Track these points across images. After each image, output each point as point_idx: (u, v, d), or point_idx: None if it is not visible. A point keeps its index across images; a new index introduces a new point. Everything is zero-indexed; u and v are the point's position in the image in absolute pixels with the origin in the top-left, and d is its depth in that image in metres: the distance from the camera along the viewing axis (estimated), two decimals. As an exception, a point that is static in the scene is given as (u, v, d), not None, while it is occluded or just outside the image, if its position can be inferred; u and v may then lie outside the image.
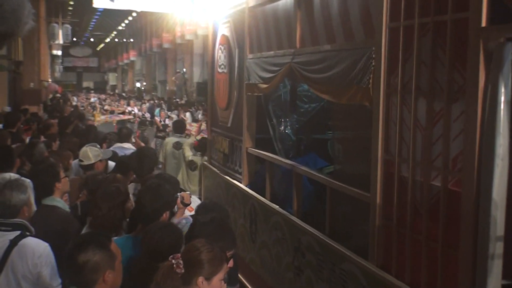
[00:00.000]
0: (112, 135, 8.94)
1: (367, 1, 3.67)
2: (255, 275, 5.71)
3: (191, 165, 8.82)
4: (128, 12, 40.35)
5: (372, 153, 3.53)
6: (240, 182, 6.39)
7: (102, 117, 24.09)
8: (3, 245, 3.73)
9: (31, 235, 3.84)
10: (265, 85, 5.57)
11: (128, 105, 31.45)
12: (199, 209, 4.32)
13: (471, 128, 2.73)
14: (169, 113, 23.93)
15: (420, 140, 3.12)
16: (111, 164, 6.40)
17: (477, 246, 2.69)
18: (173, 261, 2.86)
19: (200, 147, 8.99)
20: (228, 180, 6.74)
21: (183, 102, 29.65)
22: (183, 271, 2.83)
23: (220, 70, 7.28)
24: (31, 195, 4.18)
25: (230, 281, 3.73)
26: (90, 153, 6.00)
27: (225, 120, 7.10)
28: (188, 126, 22.70)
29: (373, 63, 3.50)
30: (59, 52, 42.38)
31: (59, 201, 4.64)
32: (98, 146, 6.36)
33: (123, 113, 25.10)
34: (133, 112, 26.34)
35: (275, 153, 5.94)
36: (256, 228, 5.72)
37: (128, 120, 23.15)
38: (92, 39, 68.51)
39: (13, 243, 3.73)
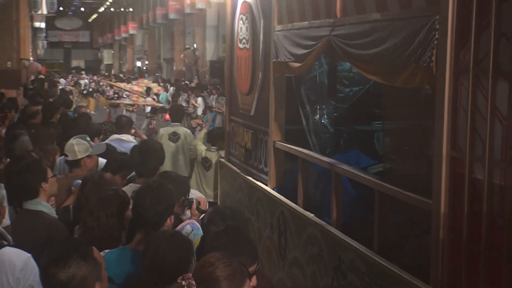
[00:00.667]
0: (108, 125, 8.95)
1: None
2: (284, 299, 5.76)
3: (204, 163, 8.80)
4: (127, -25, 40.56)
5: (435, 149, 3.51)
6: (266, 184, 6.42)
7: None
8: (-28, 258, 3.73)
9: (8, 245, 3.85)
10: (297, 64, 5.59)
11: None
12: (212, 216, 4.33)
13: None
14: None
15: (499, 133, 3.08)
16: (102, 161, 6.41)
17: None
18: (183, 282, 2.85)
19: (212, 138, 8.98)
20: (251, 181, 6.78)
21: (193, 85, 29.73)
22: (196, 293, 2.81)
23: (241, 46, 7.32)
24: (4, 198, 4.18)
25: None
26: (77, 146, 6.00)
27: (247, 107, 7.14)
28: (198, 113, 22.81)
29: (436, 36, 3.48)
30: (43, 25, 42.73)
31: (44, 205, 4.63)
32: (88, 138, 6.35)
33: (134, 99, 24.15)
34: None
35: (308, 149, 5.96)
36: (286, 241, 5.73)
37: (129, 108, 23.00)
38: (82, 9, 68.97)
39: (-15, 255, 3.72)
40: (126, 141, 8.02)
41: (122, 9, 57.06)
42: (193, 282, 2.84)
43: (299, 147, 5.84)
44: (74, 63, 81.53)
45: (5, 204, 4.33)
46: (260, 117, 6.69)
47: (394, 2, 4.05)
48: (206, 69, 34.32)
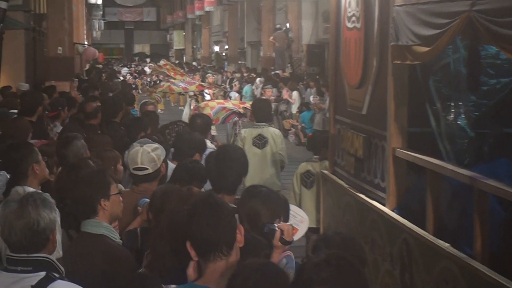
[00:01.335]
0: (181, 126, 9.05)
1: None
2: None
3: (305, 179, 8.75)
4: None
5: None
6: (384, 204, 6.39)
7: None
8: (21, 294, 3.82)
9: (60, 278, 3.90)
10: (423, 49, 5.55)
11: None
12: (317, 244, 4.37)
13: None
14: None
15: None
16: (171, 166, 6.53)
17: None
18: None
19: (314, 144, 8.94)
20: (363, 200, 6.77)
21: (286, 75, 29.85)
22: None
23: (349, 25, 7.32)
24: (55, 222, 4.26)
25: None
26: (154, 153, 6.07)
27: (357, 104, 7.13)
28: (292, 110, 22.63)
29: None
30: (99, 1, 43.89)
31: (106, 226, 4.72)
32: (153, 141, 6.42)
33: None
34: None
35: (440, 158, 5.90)
36: (411, 278, 5.68)
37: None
38: (147, -20, 70.53)
39: (36, 290, 3.81)
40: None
41: (197, -20, 57.86)
42: None
43: (427, 156, 5.78)
44: (137, 48, 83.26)
45: (58, 229, 4.41)
46: (375, 117, 6.67)
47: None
48: (302, 55, 34.37)
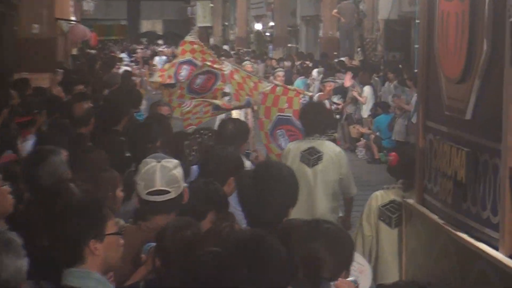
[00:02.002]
0: (205, 136, 9.09)
1: None
2: None
3: (390, 214, 8.69)
4: None
5: None
6: (496, 248, 6.34)
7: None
8: None
9: None
10: None
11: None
12: None
13: None
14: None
15: None
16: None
17: None
18: None
19: (399, 169, 8.88)
20: (467, 241, 6.75)
21: (355, 63, 29.89)
22: None
23: None
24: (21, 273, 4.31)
25: None
26: (176, 170, 6.09)
27: (458, 105, 7.13)
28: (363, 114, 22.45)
29: None
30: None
31: (97, 278, 4.74)
32: (170, 157, 6.43)
33: None
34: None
35: None
36: None
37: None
38: None
39: None
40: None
41: None
42: None
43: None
44: (145, 25, 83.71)
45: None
46: (484, 124, 6.68)
47: None
48: (378, 36, 34.37)
